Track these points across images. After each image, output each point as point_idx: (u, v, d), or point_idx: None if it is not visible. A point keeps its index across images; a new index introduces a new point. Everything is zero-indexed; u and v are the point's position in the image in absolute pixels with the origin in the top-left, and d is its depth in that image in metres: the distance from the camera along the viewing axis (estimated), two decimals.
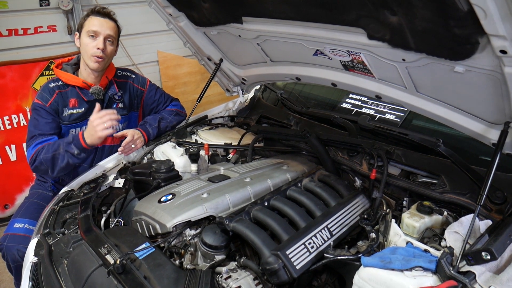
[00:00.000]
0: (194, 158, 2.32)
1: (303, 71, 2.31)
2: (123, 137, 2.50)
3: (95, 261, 1.55)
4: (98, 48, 2.46)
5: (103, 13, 2.52)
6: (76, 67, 2.65)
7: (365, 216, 1.73)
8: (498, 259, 1.21)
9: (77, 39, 2.57)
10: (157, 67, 5.25)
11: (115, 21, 2.57)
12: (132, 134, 2.51)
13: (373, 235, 1.55)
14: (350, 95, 2.52)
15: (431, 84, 1.70)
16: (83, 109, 2.58)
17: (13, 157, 4.16)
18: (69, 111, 2.54)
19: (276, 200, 1.76)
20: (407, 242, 1.44)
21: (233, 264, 1.57)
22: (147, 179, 2.14)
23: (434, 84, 1.67)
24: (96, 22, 2.48)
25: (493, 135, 1.59)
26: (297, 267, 1.41)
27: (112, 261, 1.52)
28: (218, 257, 1.59)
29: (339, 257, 1.46)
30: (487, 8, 1.08)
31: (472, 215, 1.39)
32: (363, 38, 1.67)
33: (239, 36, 2.33)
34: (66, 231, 1.88)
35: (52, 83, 2.55)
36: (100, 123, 2.26)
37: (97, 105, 2.33)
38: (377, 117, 2.27)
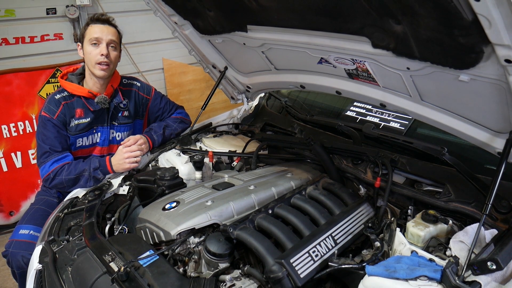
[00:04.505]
0: (198, 165, 2.32)
1: (308, 79, 2.31)
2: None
3: (99, 269, 1.55)
4: (102, 55, 2.48)
5: (103, 19, 2.54)
6: (81, 77, 2.66)
7: (370, 224, 1.72)
8: (504, 269, 1.20)
9: (80, 49, 2.59)
10: (162, 74, 5.28)
11: (115, 26, 2.59)
12: (136, 138, 2.54)
13: (377, 243, 1.55)
14: (355, 103, 2.52)
15: (436, 93, 1.70)
16: (89, 119, 2.60)
17: (18, 164, 4.18)
18: (76, 122, 2.56)
19: (280, 208, 1.76)
20: (412, 251, 1.43)
21: (237, 272, 1.57)
22: (152, 186, 2.15)
23: (439, 92, 1.67)
24: (97, 29, 2.50)
25: (499, 144, 1.59)
26: (301, 276, 1.41)
27: (116, 269, 1.52)
28: (222, 265, 1.59)
29: (343, 266, 1.45)
30: (492, 18, 1.08)
31: (477, 224, 1.38)
32: (367, 46, 1.68)
33: (244, 44, 2.35)
34: (71, 238, 1.88)
35: (57, 95, 2.57)
36: (131, 156, 2.48)
37: (131, 138, 2.55)
38: (382, 125, 2.27)
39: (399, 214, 1.85)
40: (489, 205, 1.38)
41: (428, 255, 1.39)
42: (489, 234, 1.42)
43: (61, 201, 2.38)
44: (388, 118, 2.28)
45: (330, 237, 1.59)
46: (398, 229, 1.53)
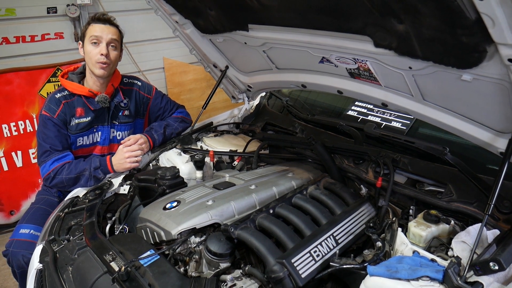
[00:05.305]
0: (199, 165, 2.32)
1: (309, 79, 2.31)
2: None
3: (100, 268, 1.55)
4: (102, 54, 2.48)
5: (104, 19, 2.54)
6: (82, 76, 2.66)
7: (371, 224, 1.71)
8: (506, 269, 1.19)
9: (81, 48, 2.59)
10: (163, 73, 5.28)
11: (116, 26, 2.59)
12: (137, 138, 2.54)
13: (379, 243, 1.54)
14: (356, 103, 2.52)
15: (438, 92, 1.69)
16: (89, 118, 2.60)
17: (19, 163, 4.18)
18: (76, 121, 2.56)
19: (281, 208, 1.76)
20: (414, 251, 1.42)
21: (238, 272, 1.56)
22: (152, 185, 2.14)
23: (441, 92, 1.67)
24: (98, 28, 2.50)
25: (501, 144, 1.58)
26: (303, 276, 1.40)
27: (116, 268, 1.52)
28: (223, 265, 1.58)
29: (344, 266, 1.45)
30: (495, 17, 1.07)
31: (479, 224, 1.37)
32: (369, 46, 1.67)
33: (245, 43, 2.34)
34: (71, 237, 1.87)
35: (58, 94, 2.57)
36: (132, 156, 2.48)
37: (132, 138, 2.56)
38: (383, 125, 2.27)
39: (400, 214, 1.84)
40: (491, 205, 1.37)
41: (430, 255, 1.38)
42: (491, 234, 1.41)
43: (62, 200, 2.38)
44: (390, 117, 2.28)
45: (331, 237, 1.59)
46: (399, 229, 1.53)
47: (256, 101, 3.19)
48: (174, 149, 2.59)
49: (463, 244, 1.37)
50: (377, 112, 2.36)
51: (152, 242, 1.77)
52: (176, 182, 2.13)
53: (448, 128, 1.77)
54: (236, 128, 3.05)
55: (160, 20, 2.68)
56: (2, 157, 4.08)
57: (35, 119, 4.17)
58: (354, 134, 2.22)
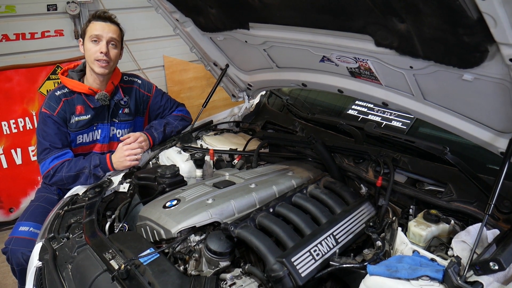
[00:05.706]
0: (199, 163, 2.31)
1: (309, 77, 2.31)
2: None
3: (100, 266, 1.55)
4: (101, 52, 2.47)
5: (104, 17, 2.53)
6: (82, 73, 2.66)
7: (371, 223, 1.71)
8: (506, 269, 1.19)
9: (81, 45, 2.58)
10: (163, 72, 5.27)
11: (117, 24, 2.58)
12: (136, 136, 2.53)
13: (379, 243, 1.54)
14: (356, 102, 2.52)
15: (439, 92, 1.69)
16: (89, 116, 2.59)
17: (18, 160, 4.18)
18: (76, 118, 2.56)
19: (281, 207, 1.75)
20: (414, 251, 1.43)
21: (237, 271, 1.56)
22: (152, 184, 2.14)
23: (442, 92, 1.66)
24: (98, 26, 2.49)
25: (502, 144, 1.58)
26: (302, 275, 1.40)
27: (116, 267, 1.51)
28: (223, 264, 1.58)
29: (344, 265, 1.45)
30: (497, 17, 1.07)
31: (479, 224, 1.37)
32: (370, 45, 1.67)
33: (246, 42, 2.34)
34: (71, 235, 1.87)
35: (58, 91, 2.57)
36: (131, 154, 2.47)
37: (131, 136, 2.55)
38: (384, 124, 2.27)
39: (400, 213, 1.84)
40: (492, 205, 1.37)
41: (430, 255, 1.38)
42: (491, 234, 1.41)
43: (61, 198, 2.38)
44: (390, 117, 2.28)
45: (331, 236, 1.59)
46: (399, 228, 1.53)
47: (256, 100, 3.19)
48: (174, 147, 2.59)
49: (463, 244, 1.37)
50: (377, 112, 2.36)
51: (152, 240, 1.77)
52: (176, 180, 2.12)
53: (449, 127, 1.77)
54: (236, 126, 3.04)
55: (161, 18, 2.67)
56: (1, 154, 4.07)
57: (34, 117, 4.16)
58: (355, 133, 2.22)
